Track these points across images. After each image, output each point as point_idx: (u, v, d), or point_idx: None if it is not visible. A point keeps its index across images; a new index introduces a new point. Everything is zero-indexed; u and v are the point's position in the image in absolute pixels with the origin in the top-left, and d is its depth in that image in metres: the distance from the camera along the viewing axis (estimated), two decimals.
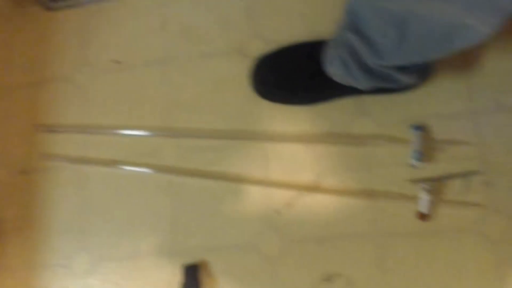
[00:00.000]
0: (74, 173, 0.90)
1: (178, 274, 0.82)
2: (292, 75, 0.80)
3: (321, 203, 0.80)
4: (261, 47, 0.87)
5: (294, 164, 0.82)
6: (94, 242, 0.87)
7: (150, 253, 0.85)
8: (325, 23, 0.85)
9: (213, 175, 0.84)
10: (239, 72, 0.87)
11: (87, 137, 0.91)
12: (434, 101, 0.80)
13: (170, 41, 0.93)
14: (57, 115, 0.94)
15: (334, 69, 0.74)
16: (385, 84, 0.72)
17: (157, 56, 0.92)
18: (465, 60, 0.81)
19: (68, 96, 0.94)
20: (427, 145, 0.77)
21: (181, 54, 0.91)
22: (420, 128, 0.77)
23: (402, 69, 0.69)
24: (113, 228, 0.87)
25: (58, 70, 0.96)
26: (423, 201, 0.75)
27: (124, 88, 0.92)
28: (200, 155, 0.86)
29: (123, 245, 0.86)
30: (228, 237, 0.82)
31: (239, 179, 0.83)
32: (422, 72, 0.74)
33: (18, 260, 0.89)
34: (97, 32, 0.96)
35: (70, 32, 0.97)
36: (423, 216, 0.76)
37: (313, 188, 0.81)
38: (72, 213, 0.89)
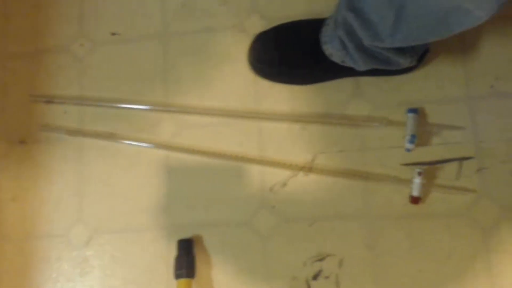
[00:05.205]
0: (72, 145, 0.91)
1: (172, 248, 0.83)
2: (289, 54, 0.79)
3: (315, 183, 0.81)
4: (260, 24, 0.87)
5: (289, 144, 0.83)
6: (90, 214, 0.88)
7: (146, 226, 0.86)
8: (325, 1, 0.84)
9: (209, 152, 0.84)
10: (238, 49, 0.87)
11: (85, 109, 0.91)
12: (430, 84, 0.80)
13: (169, 14, 0.92)
14: (55, 86, 0.94)
15: (332, 49, 0.74)
16: (382, 65, 0.72)
17: (156, 29, 0.92)
18: (462, 44, 0.80)
19: (66, 67, 0.94)
20: (421, 128, 0.77)
21: (179, 28, 0.91)
22: (415, 111, 0.76)
23: (399, 51, 0.68)
24: (110, 201, 0.88)
25: (56, 41, 0.96)
26: (416, 185, 0.75)
27: (122, 61, 0.92)
28: (197, 132, 0.86)
29: (119, 218, 0.87)
30: (222, 214, 0.83)
31: (234, 157, 0.83)
32: (419, 55, 0.73)
33: (16, 230, 0.90)
34: (95, 3, 0.95)
35: (68, 2, 0.96)
36: (415, 200, 0.76)
37: (307, 168, 0.81)
38: (69, 184, 0.90)
